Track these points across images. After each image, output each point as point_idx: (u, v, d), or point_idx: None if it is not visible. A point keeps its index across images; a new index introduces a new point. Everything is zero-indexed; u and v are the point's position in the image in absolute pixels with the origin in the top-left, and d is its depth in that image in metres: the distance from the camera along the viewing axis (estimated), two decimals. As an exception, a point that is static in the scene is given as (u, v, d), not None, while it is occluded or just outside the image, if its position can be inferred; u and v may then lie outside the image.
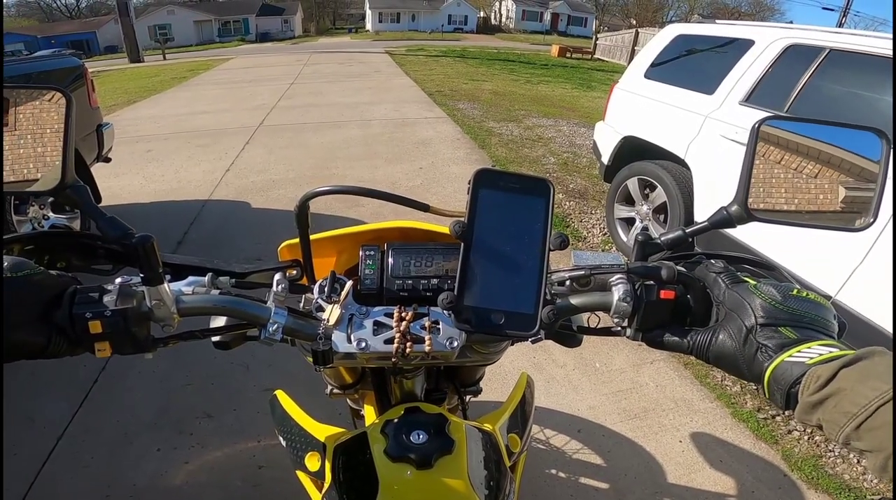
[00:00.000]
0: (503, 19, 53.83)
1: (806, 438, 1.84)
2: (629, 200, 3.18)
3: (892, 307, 1.64)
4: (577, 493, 1.59)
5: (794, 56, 2.37)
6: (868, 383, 0.34)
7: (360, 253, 0.58)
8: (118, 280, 0.46)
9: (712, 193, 2.55)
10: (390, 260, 0.57)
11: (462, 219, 0.43)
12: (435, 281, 0.56)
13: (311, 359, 0.49)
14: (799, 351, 0.39)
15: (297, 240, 0.59)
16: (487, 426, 0.65)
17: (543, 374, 2.09)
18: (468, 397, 0.91)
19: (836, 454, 1.78)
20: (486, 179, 0.44)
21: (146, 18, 38.66)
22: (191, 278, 0.53)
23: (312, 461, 0.67)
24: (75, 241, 0.56)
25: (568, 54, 20.25)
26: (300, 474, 0.70)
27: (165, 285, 0.45)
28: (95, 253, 0.56)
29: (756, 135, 0.52)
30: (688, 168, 2.67)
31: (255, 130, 6.11)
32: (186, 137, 5.86)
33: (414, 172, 4.49)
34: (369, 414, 0.81)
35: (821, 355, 0.38)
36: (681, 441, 1.79)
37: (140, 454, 1.65)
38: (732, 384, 2.09)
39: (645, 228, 2.93)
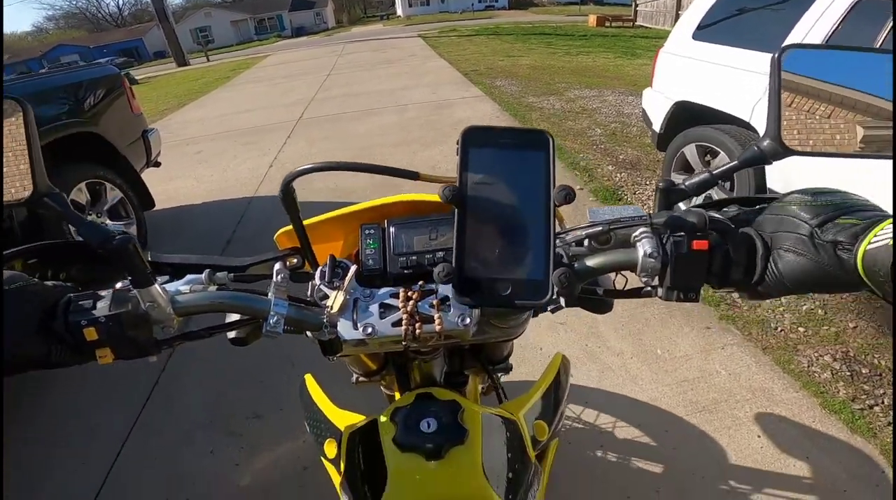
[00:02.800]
0: (536, -8, 51.79)
1: (910, 428, 1.61)
2: (687, 169, 2.97)
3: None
4: (636, 495, 1.44)
5: (867, 9, 2.10)
6: None
7: (360, 232, 0.55)
8: (116, 285, 0.46)
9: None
10: (392, 237, 0.54)
11: (452, 183, 0.39)
12: (440, 254, 0.52)
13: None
14: (875, 235, 0.36)
15: (290, 227, 0.55)
16: (510, 413, 0.61)
17: (597, 363, 1.93)
18: (500, 376, 0.84)
19: (946, 446, 1.55)
20: (474, 138, 0.40)
21: (186, 22, 40.34)
22: (189, 277, 0.51)
23: (330, 448, 0.66)
24: (72, 250, 0.55)
25: (607, 23, 19.19)
26: (324, 461, 0.68)
27: (157, 285, 0.44)
28: (98, 260, 0.54)
29: (779, 64, 0.47)
30: (755, 131, 2.46)
31: (295, 124, 6.20)
32: (232, 136, 6.03)
33: (452, 154, 4.28)
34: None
35: None
36: (759, 436, 1.59)
37: (195, 457, 1.69)
38: (822, 371, 1.83)
39: (708, 196, 2.71)
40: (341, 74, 10.52)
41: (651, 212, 0.47)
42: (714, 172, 0.49)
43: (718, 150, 2.66)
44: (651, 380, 1.83)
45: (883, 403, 1.69)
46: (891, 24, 1.98)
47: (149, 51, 41.24)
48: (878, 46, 1.98)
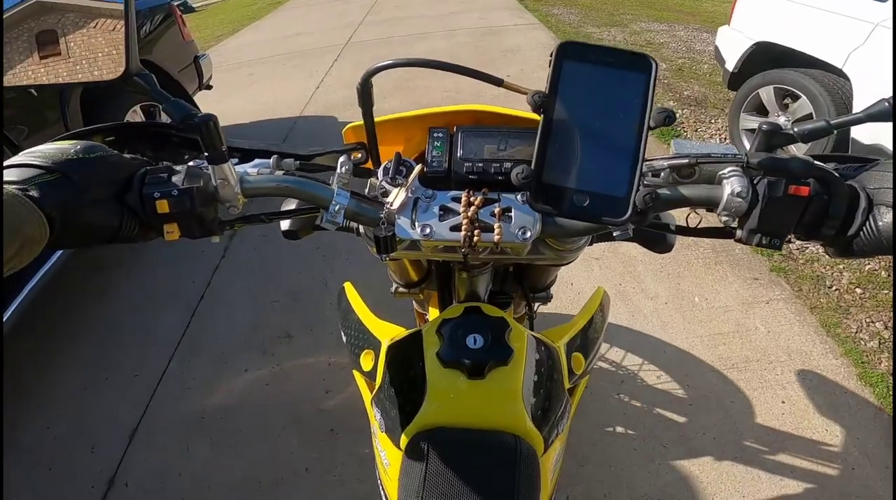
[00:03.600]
0: None
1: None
2: (760, 110, 2.77)
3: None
4: (642, 447, 1.43)
5: None
6: None
7: (428, 134, 0.53)
8: (188, 162, 0.46)
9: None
10: (460, 142, 0.52)
11: (542, 90, 0.37)
12: (508, 165, 0.50)
13: (373, 249, 0.47)
14: None
15: (361, 122, 0.55)
16: (551, 341, 0.59)
17: (629, 305, 1.87)
18: (536, 306, 0.84)
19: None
20: (571, 52, 0.38)
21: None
22: (256, 161, 0.52)
23: (367, 360, 0.64)
24: (152, 131, 0.56)
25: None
26: (356, 373, 0.68)
27: (230, 164, 0.44)
28: (171, 142, 0.56)
29: None
30: (847, 79, 2.26)
31: (342, 48, 6.05)
32: (282, 59, 5.97)
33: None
34: (432, 314, 0.79)
35: None
36: (783, 402, 1.52)
37: (231, 374, 1.79)
38: (869, 338, 1.71)
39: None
40: (391, -3, 10.02)
41: (747, 152, 0.44)
42: (832, 122, 0.45)
43: (800, 94, 2.48)
44: (682, 329, 1.77)
45: (927, 379, 1.58)
46: None
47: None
48: None
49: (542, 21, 6.35)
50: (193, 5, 16.70)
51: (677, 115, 3.40)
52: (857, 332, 1.74)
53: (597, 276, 2.05)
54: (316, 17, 9.05)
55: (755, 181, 0.42)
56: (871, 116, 0.44)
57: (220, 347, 1.90)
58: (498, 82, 0.47)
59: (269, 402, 1.67)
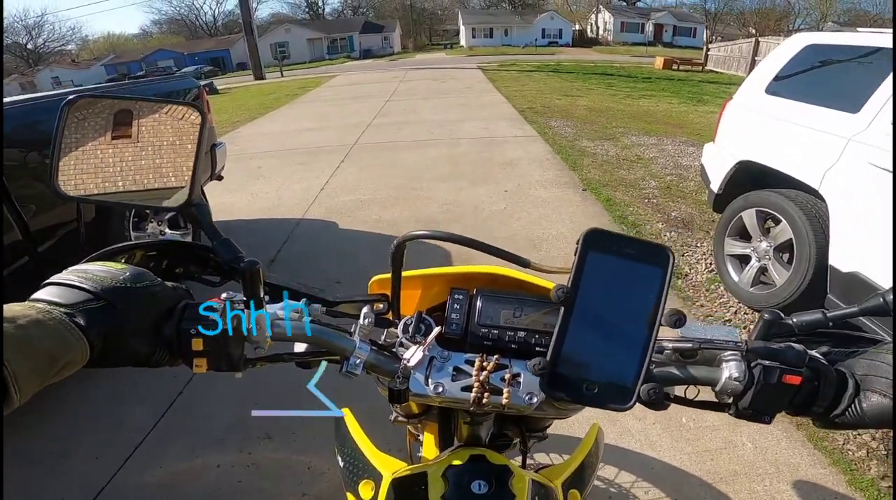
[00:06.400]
0: (601, 32, 52.04)
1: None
2: (744, 235, 2.77)
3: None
4: None
5: None
6: None
7: (449, 296, 0.57)
8: (223, 295, 0.48)
9: (854, 232, 2.10)
10: (479, 306, 0.55)
11: (565, 285, 0.41)
12: (522, 334, 0.53)
13: (384, 392, 0.51)
14: None
15: (387, 275, 0.60)
16: (549, 481, 0.63)
17: (616, 426, 1.83)
18: (531, 442, 0.84)
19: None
20: (596, 241, 0.42)
21: (267, 37, 43.43)
22: (286, 302, 0.55)
23: (366, 490, 0.67)
24: (192, 252, 0.60)
25: (674, 66, 18.89)
26: (350, 497, 0.70)
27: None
28: (207, 264, 0.60)
29: None
30: (823, 200, 2.25)
31: (350, 149, 6.43)
32: (290, 154, 6.33)
33: (498, 195, 4.37)
34: (428, 443, 0.81)
35: None
36: None
37: (202, 469, 1.73)
38: (857, 449, 1.75)
39: (763, 269, 2.47)
40: (401, 101, 10.88)
41: (747, 339, 0.48)
42: (828, 315, 0.49)
43: (780, 218, 2.46)
44: (670, 447, 1.76)
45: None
46: None
47: (233, 62, 44.65)
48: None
49: (540, 133, 6.83)
50: (218, 87, 18.21)
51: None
52: (843, 444, 1.78)
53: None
54: (328, 113, 9.77)
55: (752, 365, 0.45)
56: (867, 310, 0.48)
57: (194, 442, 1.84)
58: (525, 264, 0.53)
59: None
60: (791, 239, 2.40)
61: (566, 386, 0.41)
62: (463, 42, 51.19)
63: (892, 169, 1.93)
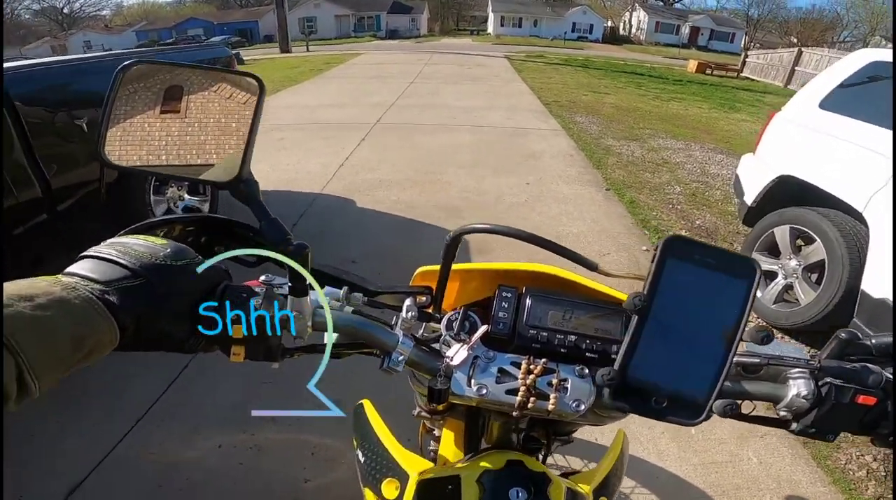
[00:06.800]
0: (633, 30, 51.04)
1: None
2: (773, 251, 2.69)
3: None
4: None
5: None
6: None
7: (497, 293, 0.54)
8: (262, 278, 0.47)
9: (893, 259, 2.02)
10: (528, 306, 0.53)
11: (641, 292, 0.39)
12: (573, 338, 0.51)
13: (418, 388, 0.50)
14: None
15: (433, 267, 0.58)
16: (583, 487, 0.62)
17: (628, 432, 1.80)
18: (555, 445, 0.82)
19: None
20: (677, 249, 0.39)
21: (297, 11, 43.19)
22: (327, 290, 0.53)
23: (390, 489, 0.64)
24: (232, 229, 0.57)
25: (708, 71, 18.44)
26: (368, 492, 0.67)
27: (309, 298, 0.46)
28: (247, 243, 0.56)
29: None
30: (864, 224, 2.17)
31: (371, 127, 6.37)
32: (313, 128, 6.28)
33: (520, 188, 4.29)
34: (447, 438, 0.79)
35: None
36: None
37: (203, 448, 1.69)
38: (858, 469, 1.79)
39: (788, 286, 2.42)
40: (425, 84, 10.75)
41: (819, 358, 0.47)
42: None
43: (815, 237, 2.39)
44: (677, 457, 1.76)
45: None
46: None
47: (260, 34, 44.50)
48: None
49: (565, 128, 6.70)
50: (244, 58, 18.23)
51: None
52: (846, 463, 1.81)
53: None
54: (352, 90, 9.69)
55: (820, 384, 0.44)
56: None
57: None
58: (593, 267, 0.49)
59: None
60: (823, 259, 2.34)
61: (633, 398, 0.39)
62: (490, 30, 50.45)
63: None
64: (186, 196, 2.97)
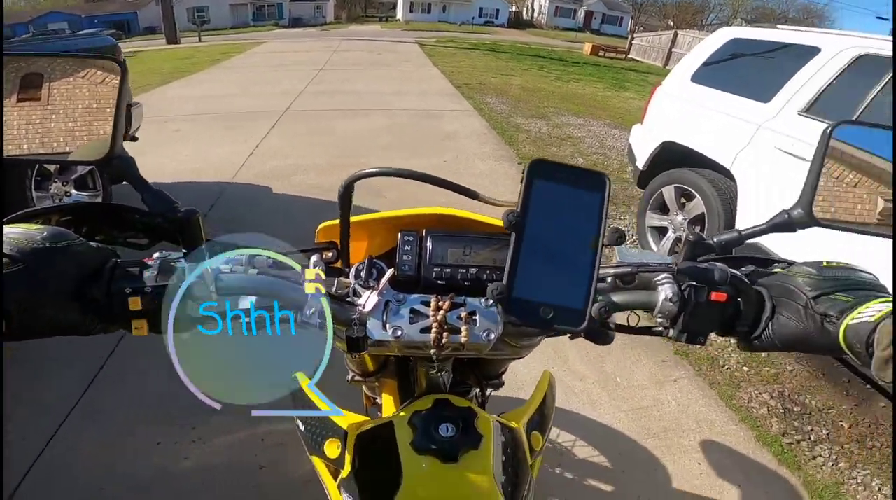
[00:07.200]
0: (535, 14, 53.09)
1: (830, 464, 1.75)
2: (663, 209, 3.05)
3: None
4: None
5: (865, 66, 2.20)
6: None
7: (399, 238, 0.56)
8: (156, 255, 0.45)
9: (759, 208, 2.39)
10: (429, 247, 0.56)
11: (514, 209, 0.41)
12: (474, 271, 0.55)
13: (341, 345, 0.49)
14: (860, 313, 0.40)
15: (334, 222, 0.58)
16: (513, 423, 0.64)
17: (561, 386, 1.98)
18: (489, 391, 0.88)
19: (858, 481, 1.70)
20: (540, 170, 0.42)
21: (185, 0, 39.35)
22: (227, 256, 0.50)
23: (332, 448, 0.65)
24: (114, 213, 0.55)
25: (601, 53, 19.82)
26: (315, 459, 0.69)
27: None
28: (133, 226, 0.54)
29: (828, 139, 0.50)
30: (733, 179, 2.53)
31: (281, 115, 6.11)
32: (214, 118, 5.88)
33: (438, 166, 4.40)
34: (387, 402, 0.81)
35: (880, 312, 0.39)
36: (699, 464, 1.72)
37: (140, 447, 1.60)
38: (759, 407, 2.00)
39: (678, 239, 2.77)
40: (334, 71, 10.45)
41: (676, 261, 0.51)
42: (742, 232, 0.53)
43: (695, 194, 2.73)
44: (609, 405, 1.94)
45: (809, 439, 1.86)
46: (884, 80, 2.07)
47: (140, 25, 39.99)
48: (869, 101, 2.08)
49: (477, 109, 6.91)
50: (123, 50, 16.34)
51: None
52: (748, 402, 2.03)
53: (529, 361, 2.11)
54: (256, 79, 9.11)
55: (683, 287, 0.48)
56: (774, 226, 0.53)
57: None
58: (474, 196, 0.53)
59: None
60: (703, 212, 2.68)
61: (524, 311, 0.41)
62: (399, 16, 49.80)
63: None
64: (74, 192, 2.70)
